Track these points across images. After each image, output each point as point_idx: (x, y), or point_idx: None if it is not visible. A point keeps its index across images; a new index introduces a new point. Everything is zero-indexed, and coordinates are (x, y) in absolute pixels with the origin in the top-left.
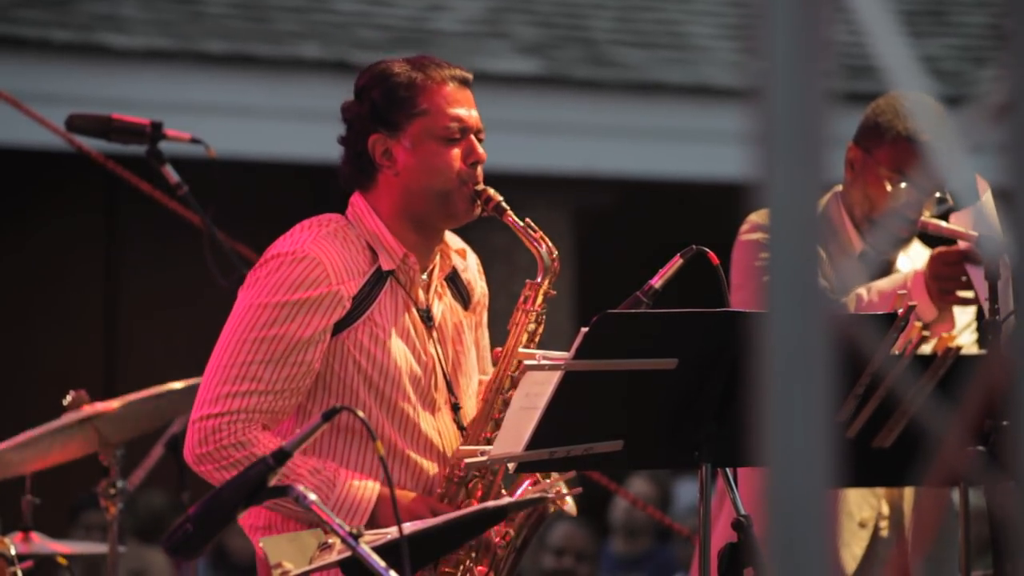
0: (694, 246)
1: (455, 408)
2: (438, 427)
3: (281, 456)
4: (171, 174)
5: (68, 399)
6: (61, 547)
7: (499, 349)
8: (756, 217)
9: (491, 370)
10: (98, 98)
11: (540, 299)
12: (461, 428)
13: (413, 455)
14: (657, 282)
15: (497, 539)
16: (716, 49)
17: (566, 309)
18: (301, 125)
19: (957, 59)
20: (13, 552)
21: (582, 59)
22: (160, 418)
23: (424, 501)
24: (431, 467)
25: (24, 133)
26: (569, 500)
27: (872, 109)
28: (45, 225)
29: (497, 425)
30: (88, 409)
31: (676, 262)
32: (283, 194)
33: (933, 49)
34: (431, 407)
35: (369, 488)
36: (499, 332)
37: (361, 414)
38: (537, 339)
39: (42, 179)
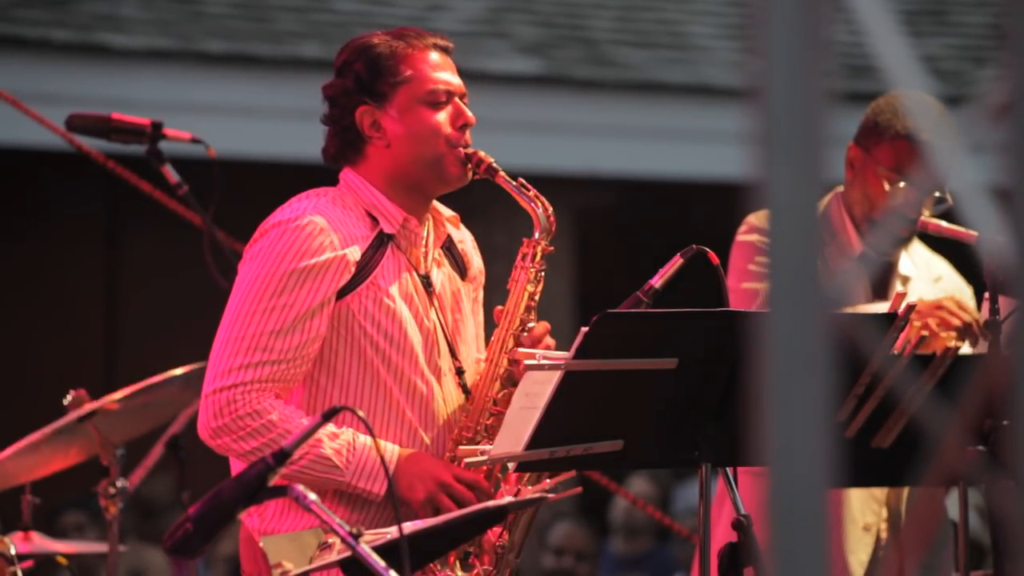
0: (694, 246)
1: (459, 372)
2: (443, 393)
3: (281, 456)
4: (171, 174)
5: (68, 399)
6: (61, 546)
7: (499, 308)
8: (753, 218)
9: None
10: (98, 98)
11: (538, 255)
12: (466, 392)
13: (418, 420)
14: (657, 282)
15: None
16: (716, 49)
17: (566, 309)
18: (301, 125)
19: (957, 59)
20: (13, 552)
21: (582, 59)
22: (160, 415)
23: (444, 463)
24: (436, 431)
25: (24, 133)
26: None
27: (872, 108)
28: (45, 225)
29: (503, 385)
30: (89, 405)
31: (676, 262)
32: (283, 194)
33: (933, 49)
34: (436, 372)
35: (388, 451)
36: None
37: (361, 413)
38: (538, 297)
39: (42, 179)
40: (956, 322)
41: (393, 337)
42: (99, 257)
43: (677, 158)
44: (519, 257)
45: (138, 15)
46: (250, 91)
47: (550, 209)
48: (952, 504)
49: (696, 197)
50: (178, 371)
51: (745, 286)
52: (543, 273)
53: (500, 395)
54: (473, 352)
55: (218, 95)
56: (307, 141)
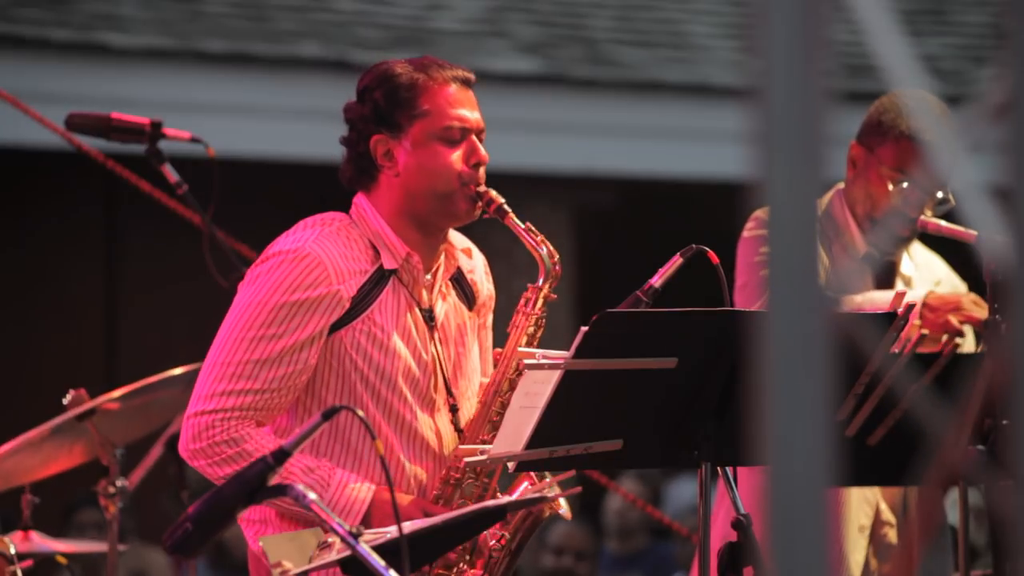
0: (694, 245)
1: (453, 410)
2: (436, 428)
3: (281, 455)
4: (171, 173)
5: (68, 399)
6: (61, 546)
7: (499, 350)
8: (762, 213)
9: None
10: (98, 97)
11: (540, 302)
12: (459, 430)
13: (406, 457)
14: (657, 281)
15: (492, 541)
16: (716, 48)
17: (566, 308)
18: (301, 124)
19: (957, 58)
20: (13, 551)
21: (582, 58)
22: (159, 415)
23: (416, 503)
24: (425, 469)
25: (24, 132)
26: (563, 503)
27: (875, 107)
28: (45, 224)
29: (494, 428)
30: (89, 405)
31: (676, 261)
32: (283, 194)
33: (933, 48)
34: (430, 408)
35: (364, 490)
36: (499, 331)
37: (361, 413)
38: (536, 342)
39: (42, 178)
40: (980, 316)
41: (384, 372)
42: (99, 257)
43: (676, 157)
44: (521, 302)
45: (138, 14)
46: (249, 91)
47: (556, 256)
48: (951, 507)
49: (695, 196)
50: (177, 371)
51: (759, 275)
52: (544, 319)
53: (491, 437)
54: (474, 386)
55: (217, 95)
56: (306, 140)
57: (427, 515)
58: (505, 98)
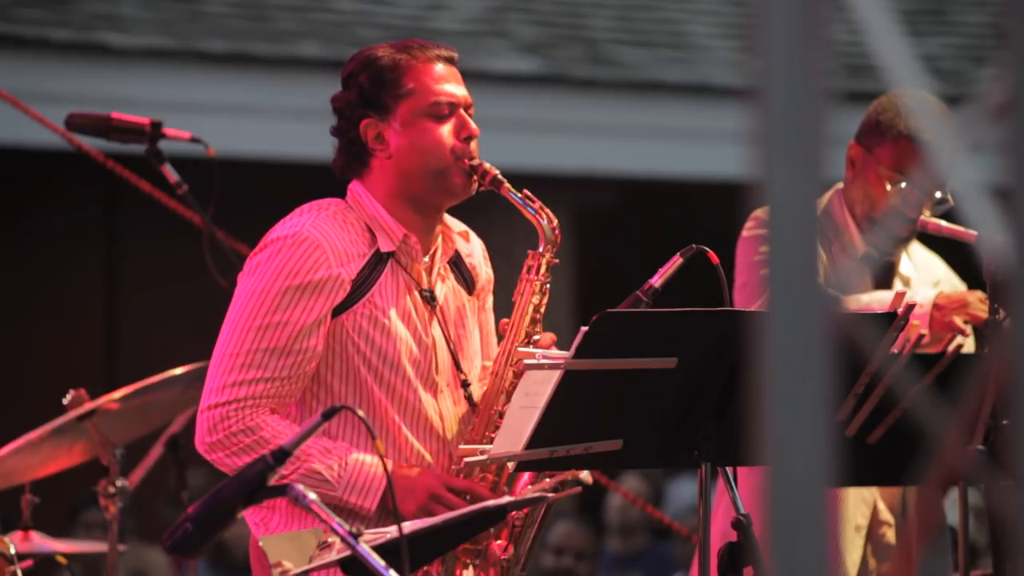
0: (694, 245)
1: (464, 384)
2: (440, 409)
3: (280, 455)
4: (171, 173)
5: (68, 399)
6: (61, 546)
7: (505, 321)
8: (761, 213)
9: (496, 347)
10: (98, 97)
11: (544, 268)
12: (472, 404)
13: (413, 437)
14: (657, 281)
15: (515, 512)
16: (716, 48)
17: (566, 308)
18: (301, 124)
19: (957, 58)
20: (13, 551)
21: (582, 58)
22: (160, 415)
23: (433, 474)
24: (429, 450)
25: (24, 132)
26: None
27: (874, 107)
28: (45, 224)
29: (508, 397)
30: (89, 405)
31: (676, 261)
32: (283, 193)
33: (933, 48)
34: (432, 389)
35: (382, 467)
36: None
37: (360, 413)
38: (543, 309)
39: (42, 178)
40: (985, 316)
41: (387, 354)
42: (99, 257)
43: (676, 157)
44: (524, 270)
45: (138, 14)
46: (249, 91)
47: (555, 221)
48: (951, 507)
49: (695, 197)
50: (177, 371)
51: (759, 275)
52: (548, 285)
53: (505, 408)
54: (476, 366)
55: (217, 94)
56: (306, 140)
57: (446, 486)
58: (505, 98)
